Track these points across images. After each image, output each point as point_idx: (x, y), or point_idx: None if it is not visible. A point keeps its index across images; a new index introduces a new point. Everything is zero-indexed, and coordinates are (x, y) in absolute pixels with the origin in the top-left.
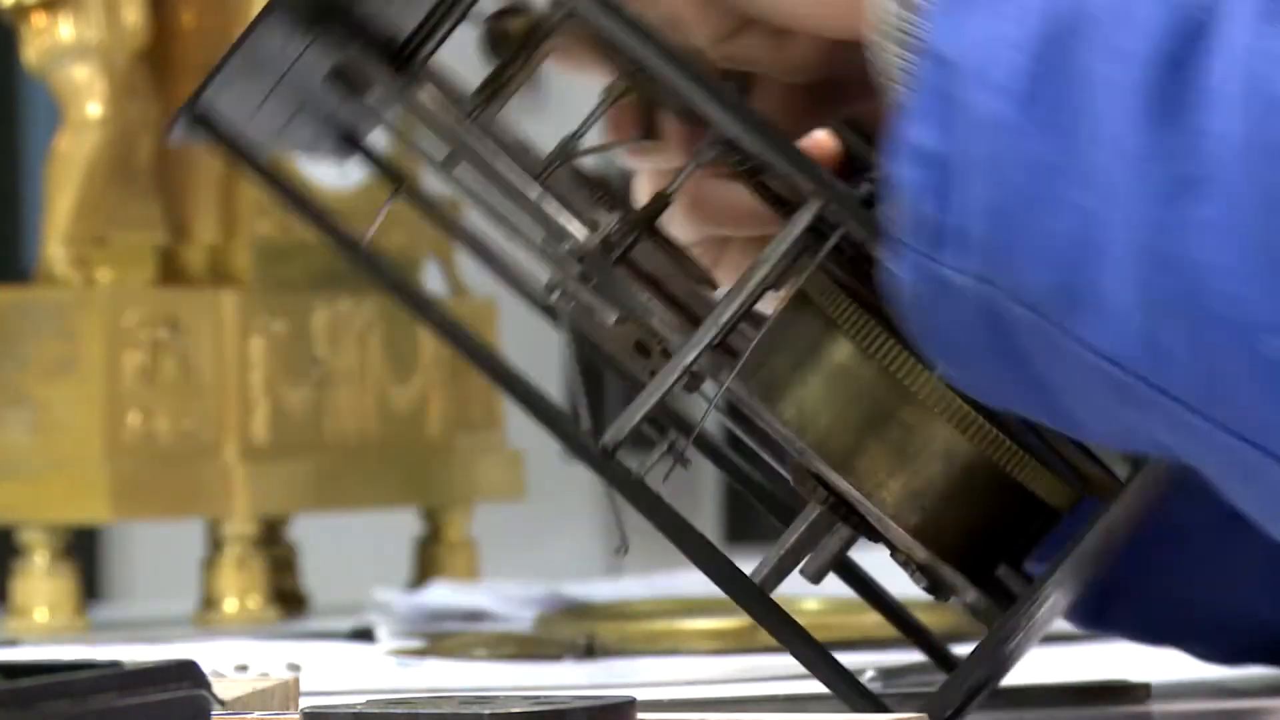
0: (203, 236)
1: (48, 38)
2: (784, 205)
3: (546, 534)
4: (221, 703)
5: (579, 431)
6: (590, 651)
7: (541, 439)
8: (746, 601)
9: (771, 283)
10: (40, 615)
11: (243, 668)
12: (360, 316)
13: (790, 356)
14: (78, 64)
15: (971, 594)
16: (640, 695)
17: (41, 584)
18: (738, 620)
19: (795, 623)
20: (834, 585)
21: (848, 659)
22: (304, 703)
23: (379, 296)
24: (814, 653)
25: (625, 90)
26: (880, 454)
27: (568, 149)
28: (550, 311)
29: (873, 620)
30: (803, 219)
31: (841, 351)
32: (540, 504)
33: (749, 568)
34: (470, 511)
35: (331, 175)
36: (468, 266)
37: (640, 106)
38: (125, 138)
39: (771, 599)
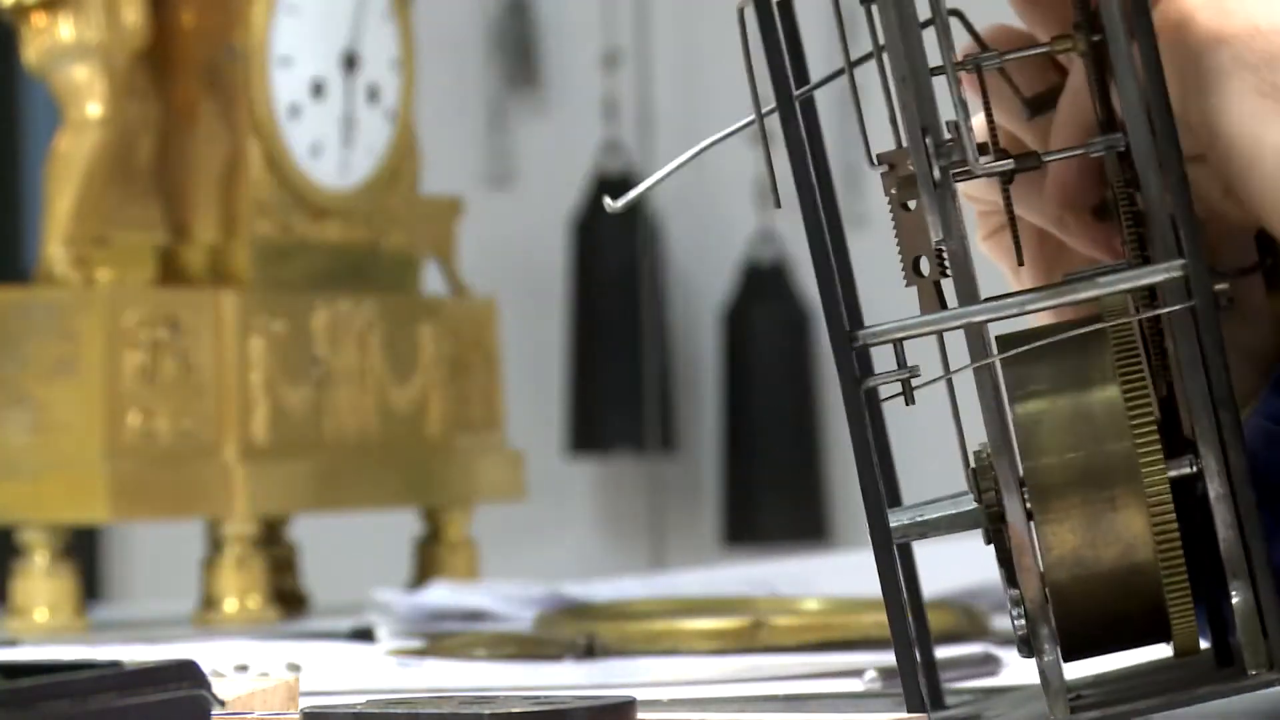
0: (203, 236)
1: (48, 38)
2: (1134, 240)
3: (546, 534)
4: (221, 703)
5: (841, 315)
6: (590, 651)
7: (541, 439)
8: (876, 543)
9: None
10: (40, 615)
11: (243, 668)
12: (360, 316)
13: (1058, 369)
14: (78, 64)
15: (1053, 669)
16: (640, 695)
17: (41, 584)
18: (738, 620)
19: (899, 584)
20: (834, 586)
21: (848, 659)
22: (304, 703)
23: (379, 296)
24: (902, 627)
25: (1070, 45)
26: (1076, 506)
27: (986, 59)
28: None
29: (872, 620)
30: (1156, 275)
31: (1106, 399)
32: (540, 504)
33: (747, 568)
34: (470, 511)
35: (332, 174)
36: (469, 266)
37: (1069, 64)
38: (125, 138)
39: (895, 552)
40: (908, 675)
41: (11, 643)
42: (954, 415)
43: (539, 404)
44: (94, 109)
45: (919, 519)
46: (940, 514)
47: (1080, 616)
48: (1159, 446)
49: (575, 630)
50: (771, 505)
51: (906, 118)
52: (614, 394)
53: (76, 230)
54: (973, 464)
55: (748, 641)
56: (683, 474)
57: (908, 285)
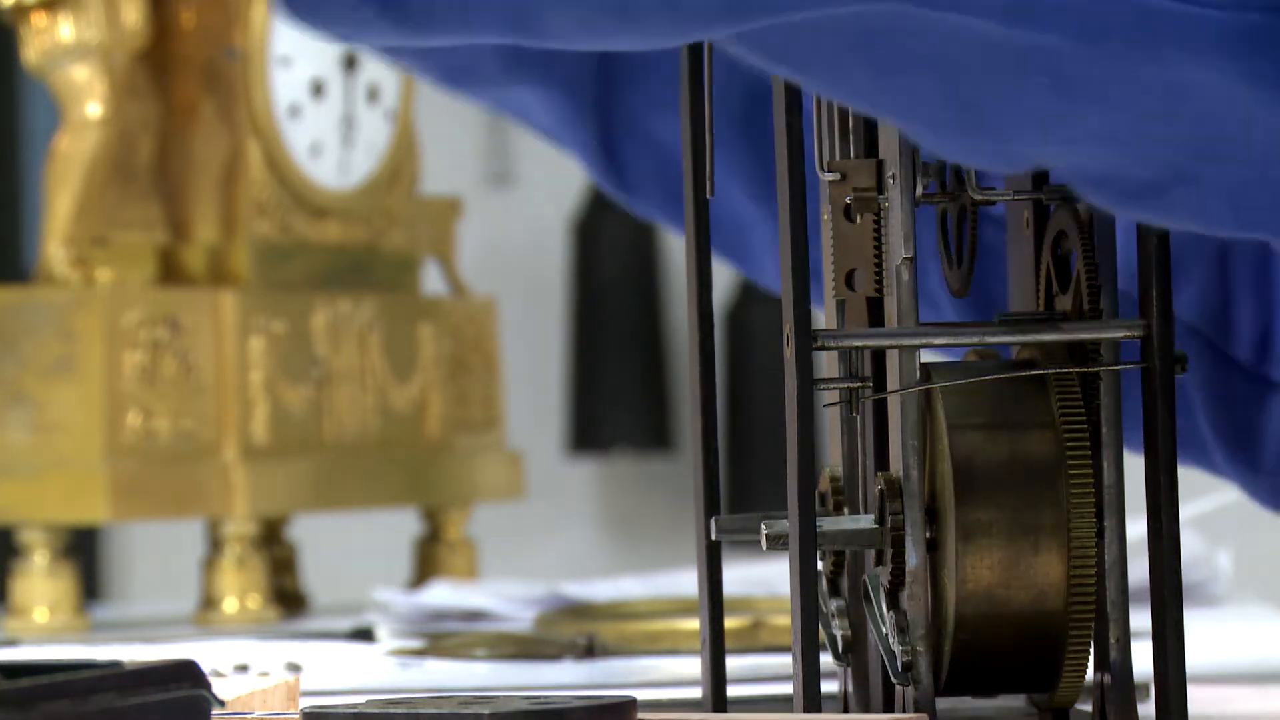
0: (203, 236)
1: (48, 38)
2: (1091, 290)
3: (546, 534)
4: (221, 703)
5: (808, 313)
6: (590, 651)
7: (541, 439)
8: (804, 553)
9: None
10: (40, 615)
11: (243, 668)
12: (360, 316)
13: (998, 404)
14: (78, 64)
15: (925, 698)
16: (640, 695)
17: (41, 584)
18: (738, 620)
19: (814, 587)
20: None
21: None
22: (304, 703)
23: (379, 296)
24: (811, 626)
25: None
26: (999, 547)
27: None
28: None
29: None
30: (1119, 331)
31: (1045, 443)
32: (540, 504)
33: (747, 568)
34: (470, 511)
35: (331, 174)
36: (469, 266)
37: None
38: (125, 138)
39: (815, 559)
40: (809, 678)
41: (11, 643)
42: (879, 434)
43: (539, 404)
44: (94, 109)
45: (821, 529)
46: (839, 528)
47: (976, 653)
48: (1092, 498)
49: (575, 630)
50: (771, 505)
51: (897, 134)
52: (614, 394)
53: (76, 230)
54: (880, 485)
55: (748, 641)
56: (682, 474)
57: (837, 297)
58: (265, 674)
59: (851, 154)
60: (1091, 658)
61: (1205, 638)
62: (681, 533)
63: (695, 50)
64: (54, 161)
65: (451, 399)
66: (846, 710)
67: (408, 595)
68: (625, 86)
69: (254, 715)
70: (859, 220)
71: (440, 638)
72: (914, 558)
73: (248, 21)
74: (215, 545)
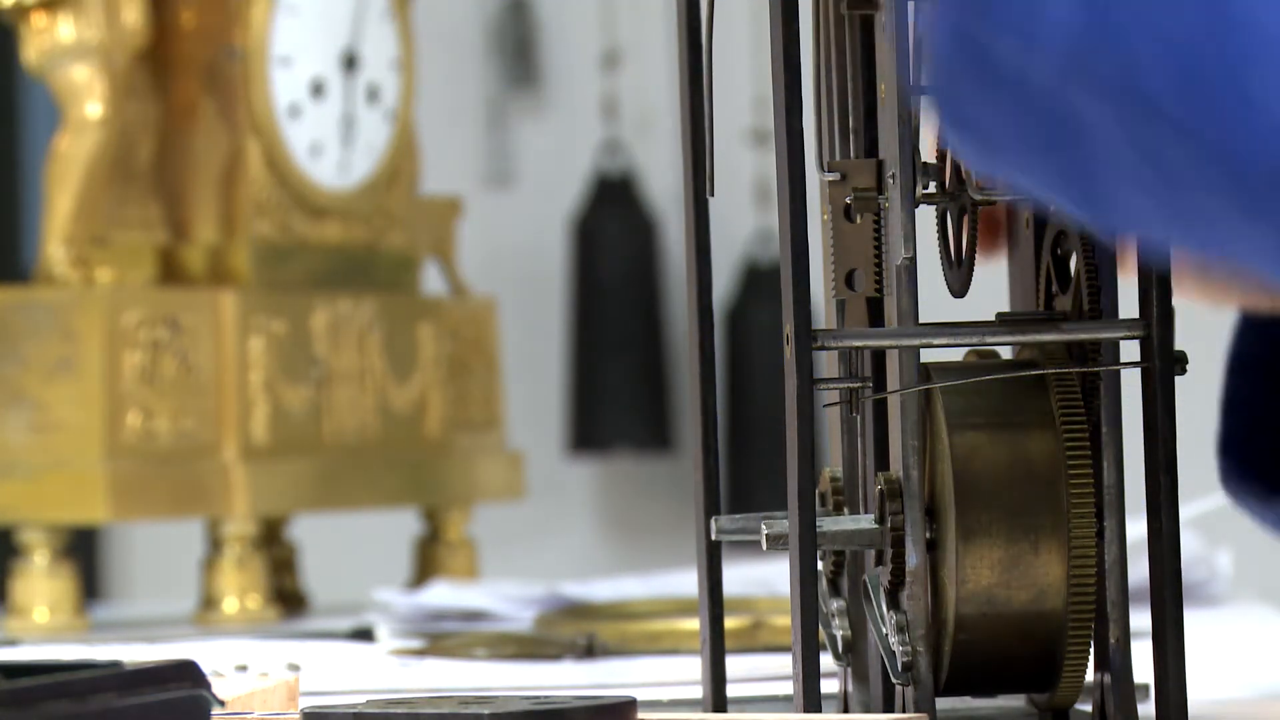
0: (203, 236)
1: (48, 38)
2: (1092, 291)
3: (546, 534)
4: (221, 703)
5: (809, 314)
6: (590, 651)
7: (541, 439)
8: (803, 549)
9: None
10: (40, 615)
11: (243, 668)
12: (360, 316)
13: (999, 404)
14: (78, 64)
15: (925, 698)
16: (640, 695)
17: (41, 584)
18: (738, 620)
19: (815, 584)
20: None
21: None
22: (304, 703)
23: (379, 296)
24: (812, 627)
25: None
26: (999, 547)
27: None
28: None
29: None
30: (1119, 331)
31: (1045, 443)
32: (540, 504)
33: (747, 568)
34: (470, 511)
35: (331, 174)
36: (469, 266)
37: None
38: (125, 138)
39: (816, 555)
40: (809, 677)
41: (11, 643)
42: (879, 435)
43: (539, 404)
44: (94, 109)
45: (822, 529)
46: (839, 528)
47: (976, 653)
48: (1092, 499)
49: (575, 630)
50: (771, 505)
51: (897, 134)
52: (614, 394)
53: (76, 230)
54: (881, 485)
55: (748, 641)
56: (682, 474)
57: (837, 297)
58: (265, 674)
59: (851, 154)
60: (1091, 658)
61: (1205, 638)
62: (681, 533)
63: (695, 51)
64: (54, 161)
65: (451, 399)
66: (846, 710)
67: (408, 595)
68: None
69: (254, 715)
70: (859, 220)
71: (440, 638)
72: (914, 558)
73: (248, 21)
74: (215, 545)
